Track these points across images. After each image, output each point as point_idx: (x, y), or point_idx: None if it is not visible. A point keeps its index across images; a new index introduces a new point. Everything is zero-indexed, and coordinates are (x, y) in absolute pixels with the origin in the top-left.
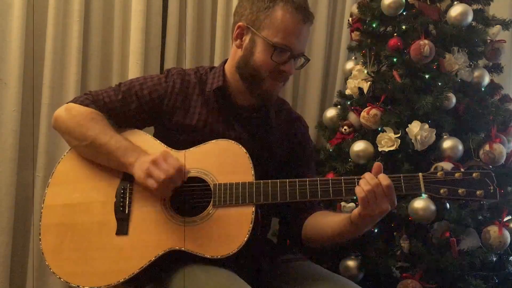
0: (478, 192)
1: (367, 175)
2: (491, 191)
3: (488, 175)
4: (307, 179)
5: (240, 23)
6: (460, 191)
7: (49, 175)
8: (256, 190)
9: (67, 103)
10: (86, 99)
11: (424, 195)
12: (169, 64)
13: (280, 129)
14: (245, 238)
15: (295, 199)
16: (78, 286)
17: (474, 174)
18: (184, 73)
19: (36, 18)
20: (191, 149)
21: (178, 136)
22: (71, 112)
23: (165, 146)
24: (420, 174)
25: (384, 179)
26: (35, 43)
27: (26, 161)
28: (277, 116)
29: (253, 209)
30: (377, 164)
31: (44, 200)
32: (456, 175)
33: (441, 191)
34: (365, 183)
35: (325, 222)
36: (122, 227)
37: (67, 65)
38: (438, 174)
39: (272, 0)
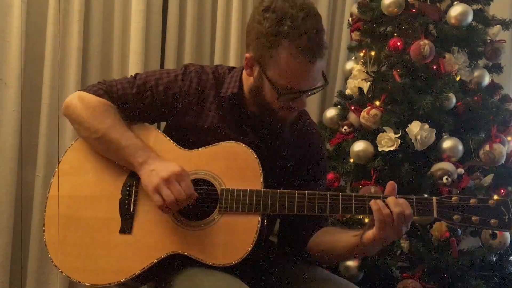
0: (492, 221)
1: (391, 200)
2: (506, 220)
3: (505, 204)
4: (317, 192)
5: (247, 55)
6: (473, 218)
7: (49, 175)
8: (264, 200)
9: (80, 90)
10: (100, 89)
11: None
12: (169, 64)
13: (294, 139)
14: (249, 248)
15: (303, 212)
16: (79, 281)
17: (489, 202)
18: (202, 71)
19: (36, 18)
20: (200, 149)
21: (189, 136)
22: (83, 101)
23: (174, 143)
24: (434, 198)
25: (407, 208)
26: (35, 43)
27: (26, 161)
28: (294, 125)
29: (259, 218)
30: (391, 184)
31: (49, 190)
32: (471, 201)
33: (454, 217)
34: (393, 214)
35: (333, 241)
36: (126, 226)
37: (67, 65)
38: (453, 199)
39: (275, 40)
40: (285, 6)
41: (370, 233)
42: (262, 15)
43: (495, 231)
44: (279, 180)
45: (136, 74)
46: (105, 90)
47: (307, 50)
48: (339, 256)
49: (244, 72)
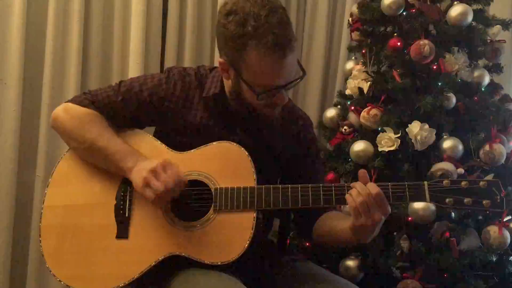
0: (484, 202)
1: (357, 185)
2: (498, 200)
3: (495, 184)
4: (310, 185)
5: (220, 60)
6: (466, 200)
7: (49, 175)
8: (258, 196)
9: (66, 102)
10: (85, 99)
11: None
12: (169, 64)
13: (282, 128)
14: (246, 245)
15: (297, 206)
16: None
17: (481, 183)
18: (185, 73)
19: (36, 18)
20: (192, 151)
21: (179, 138)
22: (69, 113)
23: (166, 147)
24: (425, 182)
25: (373, 188)
26: (35, 43)
27: (26, 161)
28: (280, 116)
29: (254, 215)
30: (361, 172)
31: (44, 200)
32: (462, 184)
33: (447, 200)
34: (356, 194)
35: (334, 225)
36: (122, 231)
37: (67, 65)
38: (444, 183)
39: (242, 42)
40: (247, 6)
41: (350, 221)
42: (226, 19)
43: (487, 212)
44: (276, 173)
45: (121, 82)
46: (91, 100)
47: (276, 47)
48: (337, 242)
49: (222, 76)
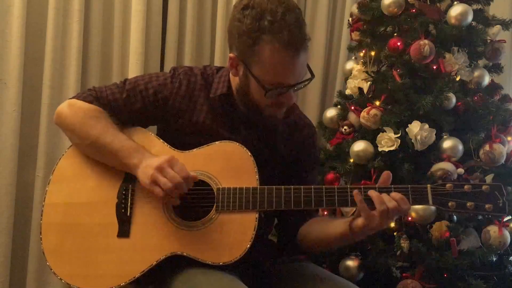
0: (486, 206)
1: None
2: (500, 204)
3: (498, 188)
4: (312, 186)
5: (231, 55)
6: (468, 204)
7: (49, 174)
8: (260, 197)
9: (70, 98)
10: (90, 95)
11: None
12: (169, 64)
13: (287, 133)
14: (248, 245)
15: (300, 207)
16: None
17: (483, 187)
18: (191, 73)
19: (36, 18)
20: (194, 150)
21: (182, 138)
22: (73, 108)
23: (168, 145)
24: (428, 185)
25: (404, 203)
26: (35, 43)
27: (26, 161)
28: (286, 120)
29: (257, 215)
30: (387, 173)
31: (45, 197)
32: (465, 187)
33: (449, 204)
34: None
35: (322, 229)
36: (124, 230)
37: (67, 65)
38: (447, 186)
39: (256, 36)
40: (264, 2)
41: (359, 222)
42: (242, 13)
43: (490, 216)
44: (275, 175)
45: (126, 79)
46: (95, 96)
47: (290, 44)
48: (329, 243)
49: (230, 72)
